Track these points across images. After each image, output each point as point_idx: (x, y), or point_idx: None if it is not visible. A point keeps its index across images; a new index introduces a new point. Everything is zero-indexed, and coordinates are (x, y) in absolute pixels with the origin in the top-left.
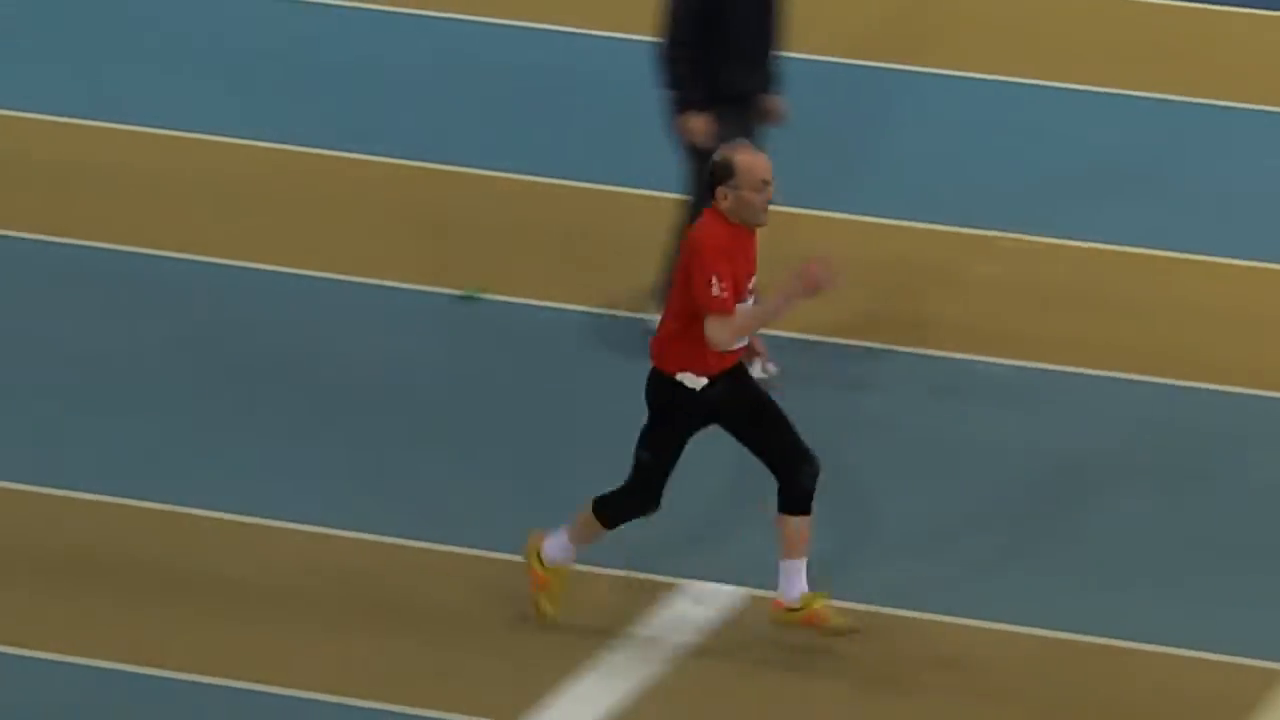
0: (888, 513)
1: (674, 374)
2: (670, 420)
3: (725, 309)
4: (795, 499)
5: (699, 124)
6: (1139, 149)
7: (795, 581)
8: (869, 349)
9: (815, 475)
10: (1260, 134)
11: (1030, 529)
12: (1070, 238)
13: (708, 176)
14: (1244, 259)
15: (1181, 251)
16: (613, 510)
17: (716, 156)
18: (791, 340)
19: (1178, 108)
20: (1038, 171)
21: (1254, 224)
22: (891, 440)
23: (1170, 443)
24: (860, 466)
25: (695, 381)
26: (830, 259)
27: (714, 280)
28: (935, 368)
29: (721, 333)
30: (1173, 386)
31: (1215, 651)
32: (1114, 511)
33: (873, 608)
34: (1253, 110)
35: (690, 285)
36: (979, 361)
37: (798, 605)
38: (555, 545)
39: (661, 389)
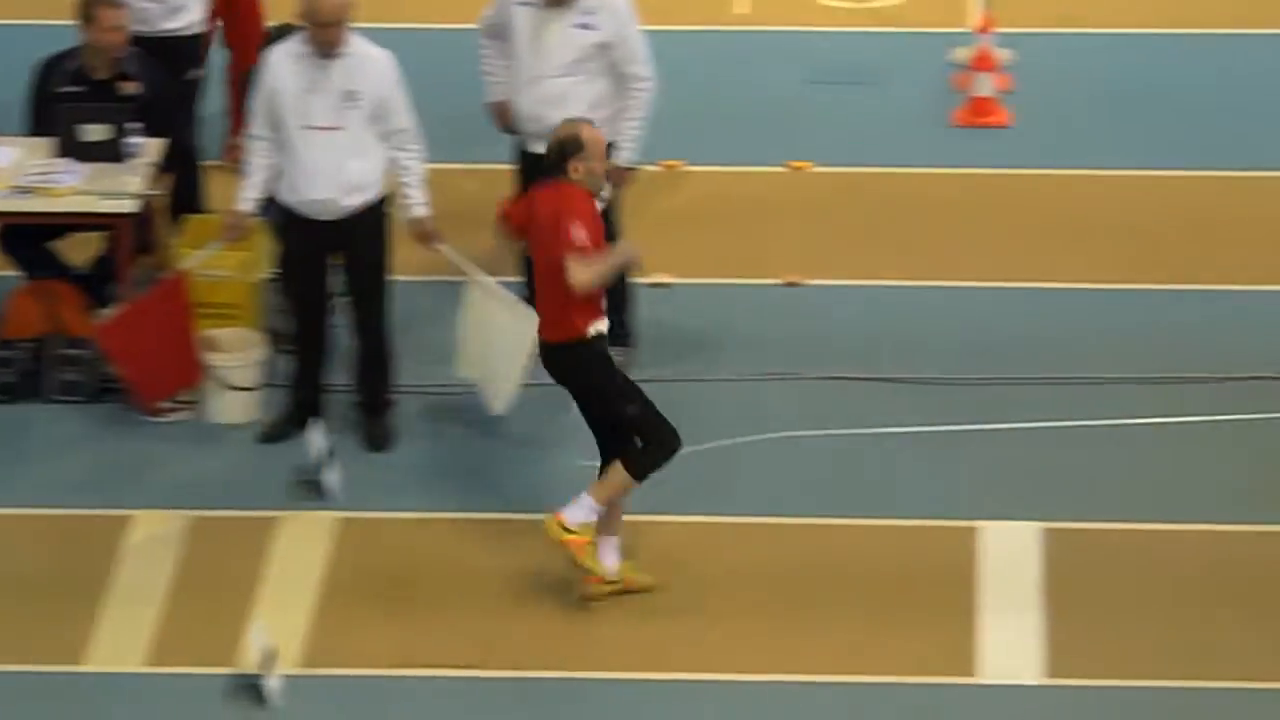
0: None
1: (588, 334)
2: (612, 368)
3: (585, 249)
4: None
5: None
6: None
7: (610, 557)
8: None
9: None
10: None
11: None
12: None
13: (558, 155)
14: None
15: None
16: (646, 469)
17: (564, 133)
18: None
19: None
20: None
21: None
22: None
23: None
24: None
25: (602, 325)
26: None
27: (573, 228)
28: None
29: (580, 269)
30: None
31: None
32: None
33: None
34: None
35: (557, 234)
36: None
37: (616, 578)
38: (580, 512)
39: (587, 351)
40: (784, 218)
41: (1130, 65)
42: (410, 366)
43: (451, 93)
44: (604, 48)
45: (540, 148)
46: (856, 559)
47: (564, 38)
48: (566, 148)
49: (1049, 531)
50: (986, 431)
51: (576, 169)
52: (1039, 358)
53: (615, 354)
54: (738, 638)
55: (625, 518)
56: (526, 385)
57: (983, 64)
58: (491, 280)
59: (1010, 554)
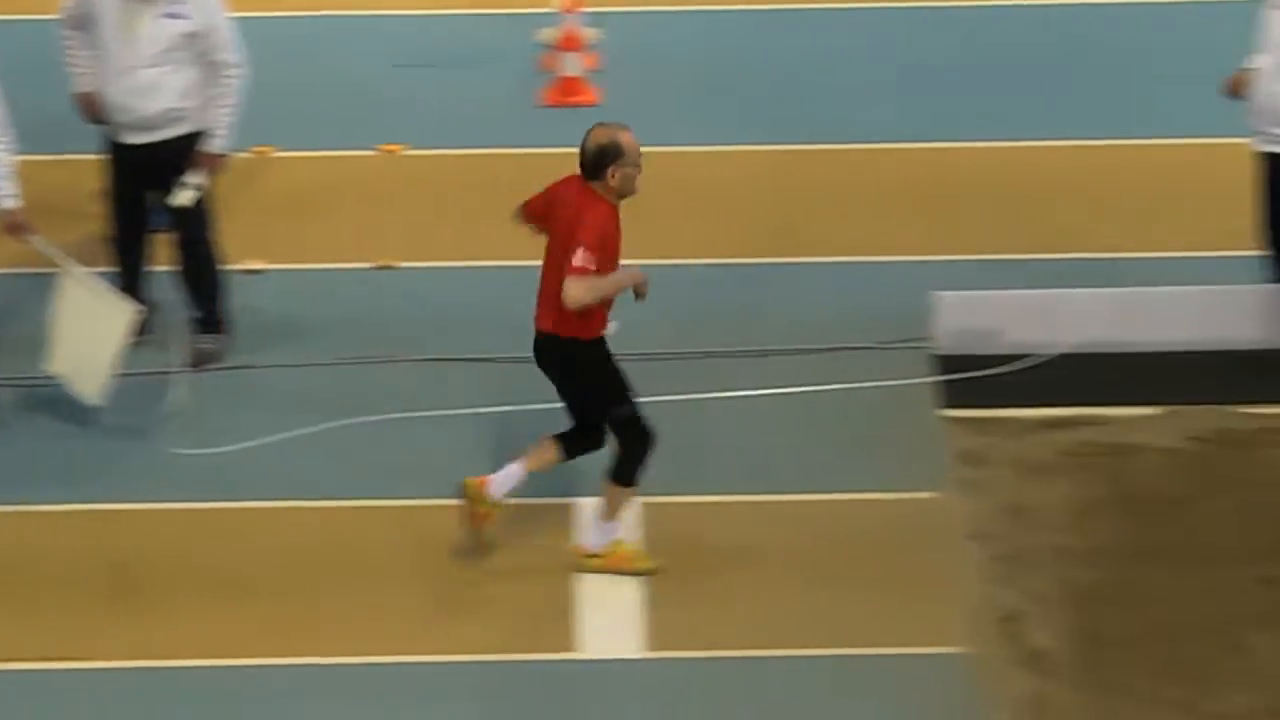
0: None
1: (589, 335)
2: (605, 366)
3: (586, 272)
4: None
5: None
6: None
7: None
8: None
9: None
10: None
11: None
12: None
13: (598, 160)
14: None
15: None
16: (634, 472)
17: (604, 139)
18: None
19: None
20: None
21: None
22: None
23: None
24: None
25: (608, 327)
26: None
27: (580, 250)
28: None
29: (576, 290)
30: None
31: None
32: None
33: None
34: None
35: (567, 247)
36: None
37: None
38: (597, 536)
39: (584, 350)
40: (377, 201)
41: (716, 42)
42: (2, 359)
43: (38, 84)
44: (193, 37)
45: (134, 138)
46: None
47: (153, 28)
48: (607, 154)
49: (646, 506)
50: None
51: (614, 175)
52: (634, 334)
53: (206, 341)
54: (332, 621)
55: None
56: (120, 375)
57: (569, 44)
58: (84, 270)
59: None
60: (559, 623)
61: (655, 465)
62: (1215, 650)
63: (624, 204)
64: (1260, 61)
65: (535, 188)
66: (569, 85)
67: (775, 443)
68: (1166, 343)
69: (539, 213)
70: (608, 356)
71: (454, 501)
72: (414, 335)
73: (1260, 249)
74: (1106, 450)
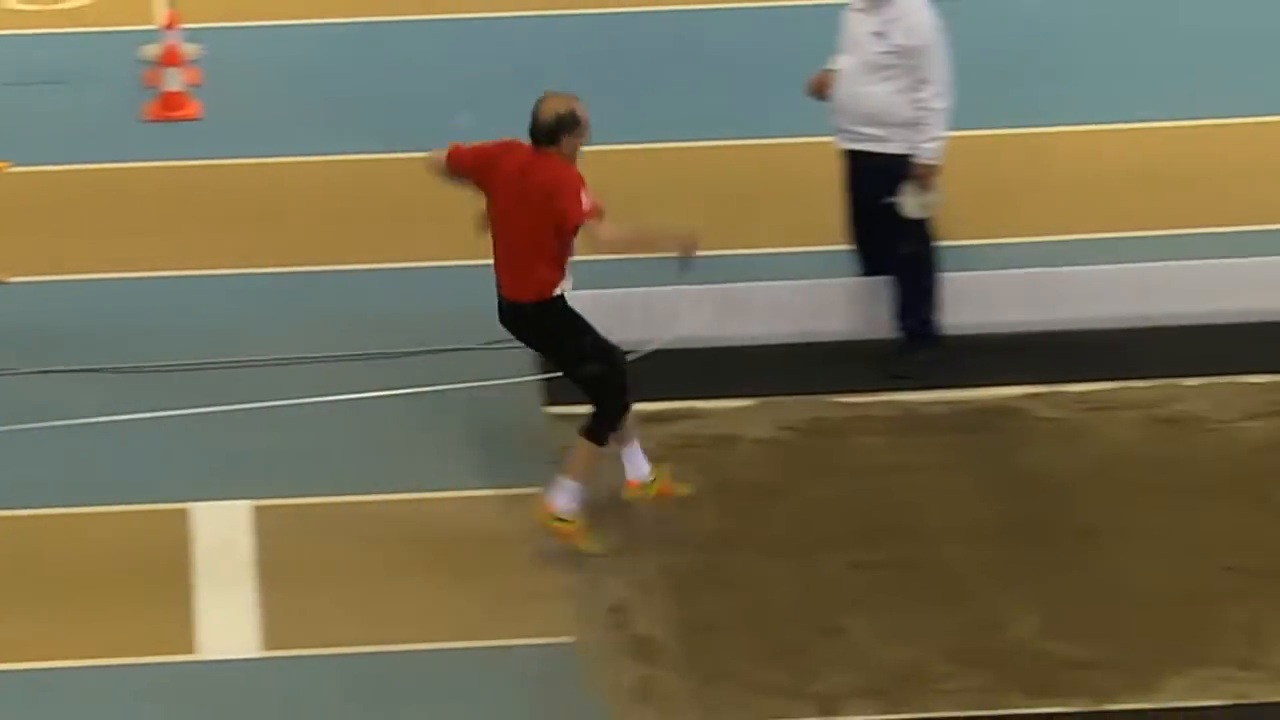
0: None
1: (554, 295)
2: (575, 324)
3: (601, 212)
4: None
5: None
6: None
7: (638, 462)
8: None
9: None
10: None
11: None
12: None
13: (555, 130)
14: None
15: None
16: (606, 429)
17: (562, 108)
18: None
19: None
20: None
21: None
22: None
23: None
24: None
25: (566, 285)
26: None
27: (582, 194)
28: None
29: (608, 226)
30: None
31: None
32: None
33: None
34: None
35: (558, 213)
36: None
37: (650, 479)
38: (565, 498)
39: (554, 311)
40: None
41: (316, 55)
42: None
43: None
44: None
45: None
46: (66, 548)
47: None
48: (564, 122)
49: (260, 509)
50: (196, 416)
51: (567, 143)
52: (248, 341)
53: None
54: None
55: None
56: None
57: (171, 59)
58: None
59: (222, 533)
60: (178, 624)
61: (271, 468)
62: (813, 633)
63: (234, 212)
64: (841, 62)
65: (139, 202)
66: (171, 100)
67: (389, 443)
68: (761, 336)
69: (468, 164)
70: (574, 314)
71: (57, 511)
72: (22, 348)
73: (846, 244)
74: (704, 442)
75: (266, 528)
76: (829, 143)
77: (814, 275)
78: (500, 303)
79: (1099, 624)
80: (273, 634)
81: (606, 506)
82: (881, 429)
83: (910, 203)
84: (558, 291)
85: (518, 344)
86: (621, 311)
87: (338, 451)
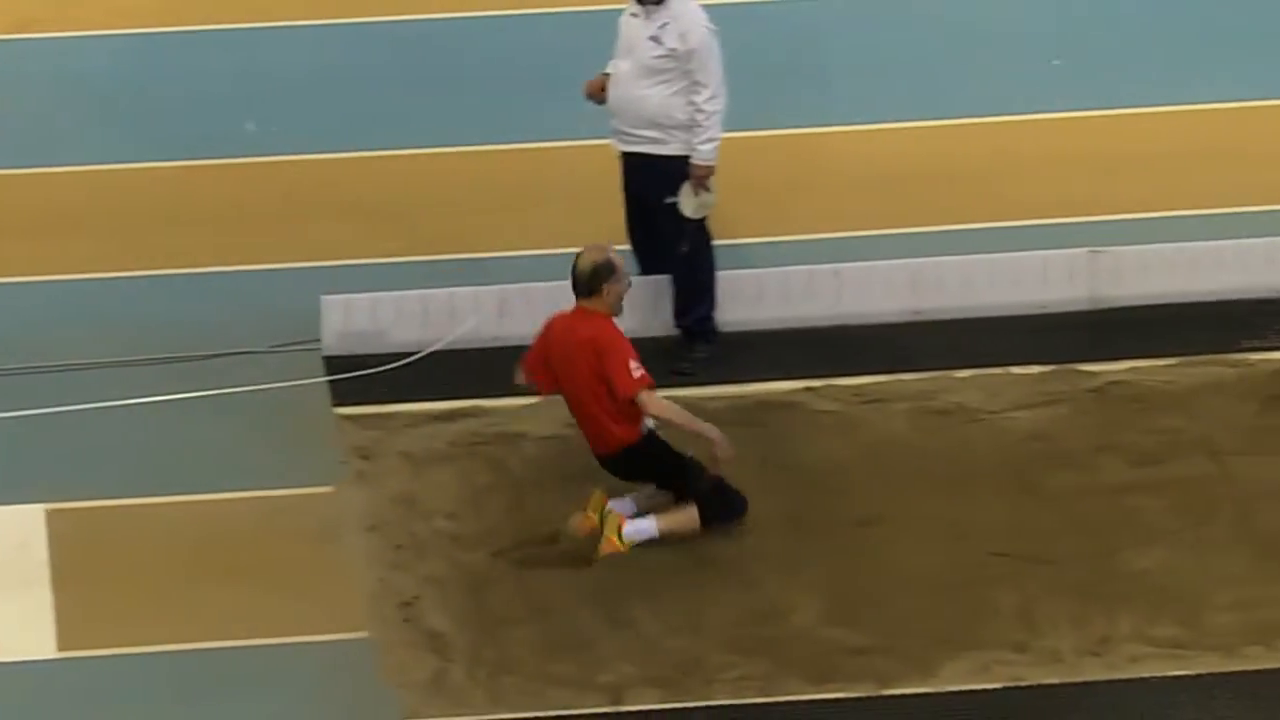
0: None
1: (640, 436)
2: (666, 453)
3: (650, 382)
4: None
5: None
6: None
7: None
8: None
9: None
10: None
11: None
12: None
13: (592, 281)
14: None
15: None
16: (711, 524)
17: (598, 258)
18: None
19: None
20: None
21: None
22: None
23: None
24: None
25: (649, 423)
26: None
27: (631, 364)
28: None
29: (657, 401)
30: None
31: None
32: None
33: None
34: None
35: (608, 378)
36: None
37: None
38: (637, 532)
39: (646, 449)
40: None
41: (104, 65)
42: None
43: None
44: None
45: None
46: None
47: None
48: (600, 272)
49: (52, 513)
50: None
51: (609, 291)
52: (37, 347)
53: None
54: None
55: None
56: None
57: None
58: None
59: (17, 536)
60: None
61: (64, 472)
62: (601, 626)
63: (21, 226)
64: (617, 66)
65: None
66: None
67: (179, 446)
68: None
69: (539, 364)
70: (665, 443)
71: None
72: None
73: (625, 244)
74: (490, 439)
75: (60, 531)
76: (607, 145)
77: None
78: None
79: (877, 611)
80: (68, 635)
81: (397, 502)
82: (660, 425)
83: (687, 203)
84: (642, 431)
85: (305, 346)
86: (401, 313)
87: (130, 455)
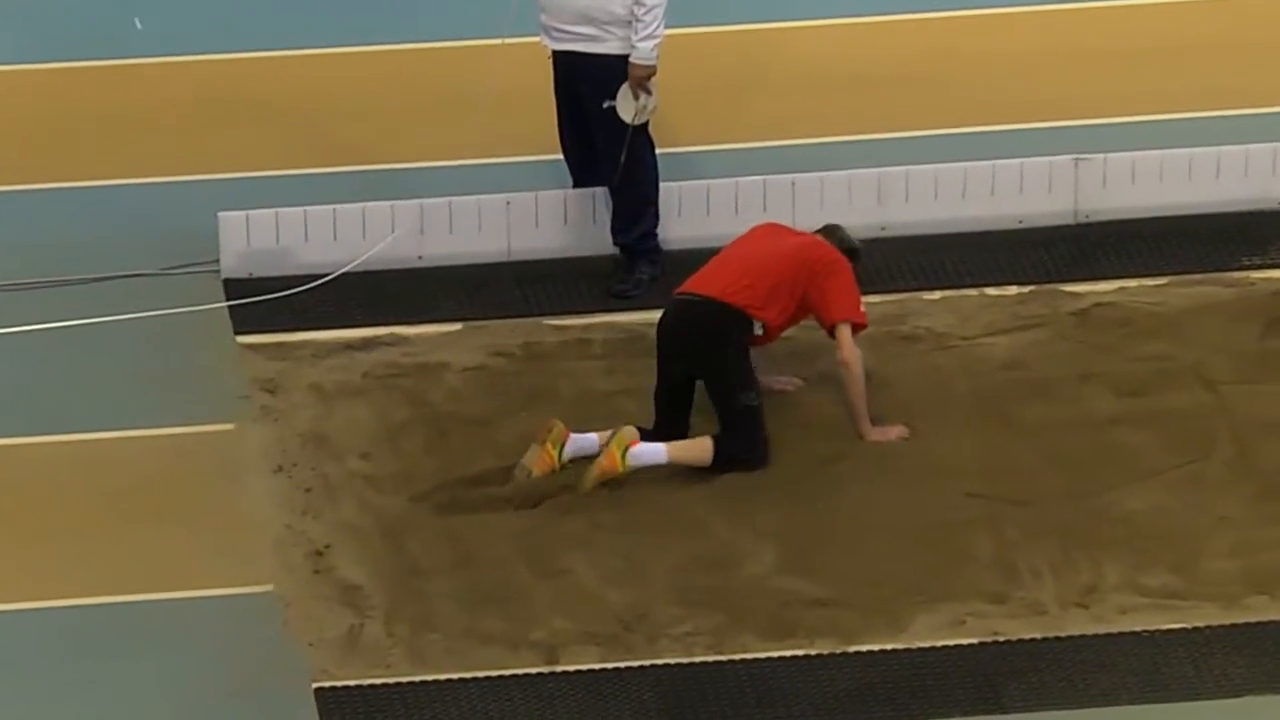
0: None
1: (746, 310)
2: (746, 357)
3: (866, 325)
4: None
5: None
6: None
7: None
8: None
9: None
10: None
11: None
12: None
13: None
14: None
15: None
16: (727, 466)
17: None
18: None
19: None
20: None
21: None
22: None
23: None
24: None
25: (758, 329)
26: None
27: (859, 303)
28: None
29: (855, 346)
30: None
31: None
32: None
33: None
34: None
35: (833, 292)
36: None
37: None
38: (644, 456)
39: (739, 333)
40: None
41: None
42: None
43: None
44: None
45: None
46: None
47: None
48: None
49: None
50: None
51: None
52: None
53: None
54: None
55: None
56: None
57: None
58: None
59: None
60: None
61: None
62: (532, 576)
63: None
64: None
65: None
66: None
67: (63, 379)
68: (466, 255)
69: None
70: (748, 349)
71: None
72: None
73: (558, 153)
74: (408, 371)
75: None
76: (536, 43)
77: (523, 188)
78: (672, 303)
79: (839, 559)
80: None
81: (306, 441)
82: (600, 353)
83: (626, 107)
84: (756, 326)
85: (202, 267)
86: (309, 230)
87: (7, 390)
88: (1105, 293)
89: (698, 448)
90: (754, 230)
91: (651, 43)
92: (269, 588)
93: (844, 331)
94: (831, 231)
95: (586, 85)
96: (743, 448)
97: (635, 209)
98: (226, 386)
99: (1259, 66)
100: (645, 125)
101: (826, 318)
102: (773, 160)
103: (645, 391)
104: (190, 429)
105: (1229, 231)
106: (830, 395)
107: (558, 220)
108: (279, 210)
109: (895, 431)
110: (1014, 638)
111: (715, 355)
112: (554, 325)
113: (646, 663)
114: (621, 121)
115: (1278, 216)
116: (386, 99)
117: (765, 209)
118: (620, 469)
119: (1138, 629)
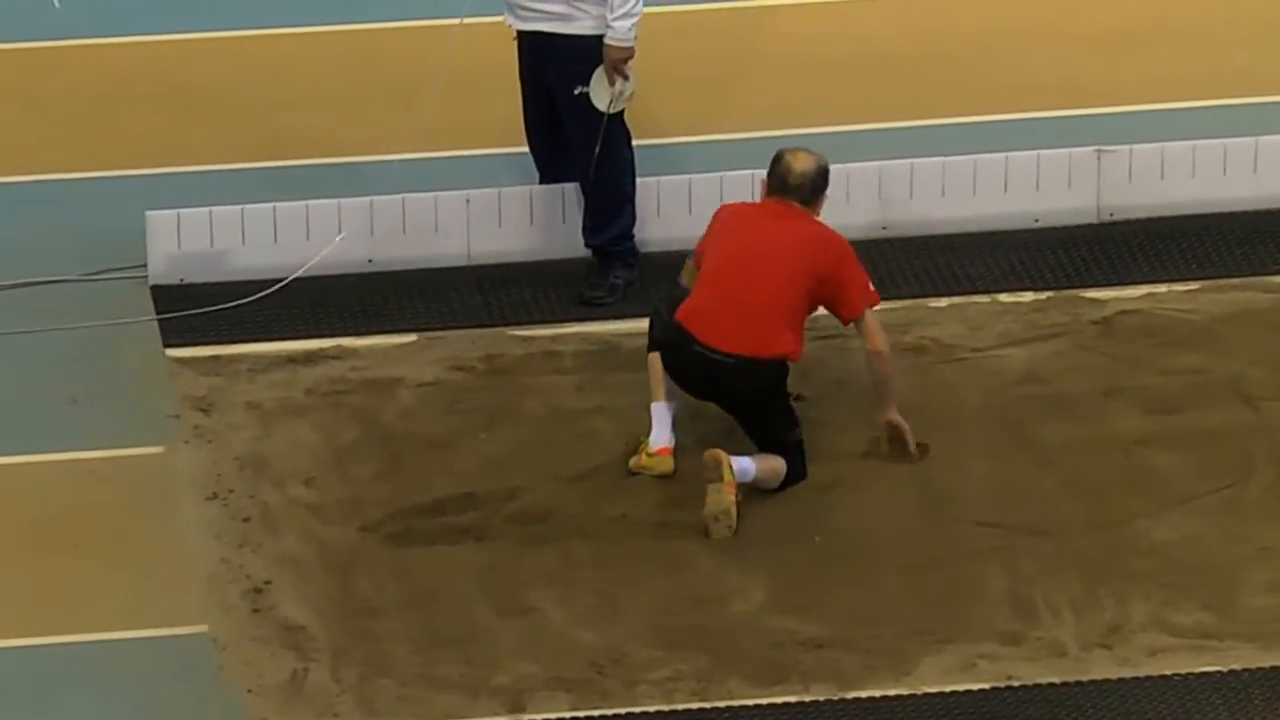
0: None
1: (784, 357)
2: (787, 395)
3: (879, 302)
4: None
5: None
6: None
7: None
8: None
9: None
10: None
11: None
12: None
13: (818, 183)
14: None
15: None
16: (787, 484)
17: (821, 161)
18: None
19: None
20: None
21: None
22: None
23: None
24: None
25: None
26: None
27: (869, 281)
28: None
29: (880, 329)
30: None
31: None
32: None
33: None
34: None
35: (845, 285)
36: None
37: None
38: (743, 465)
39: (775, 372)
40: None
41: None
42: None
43: None
44: None
45: None
46: None
47: None
48: (825, 176)
49: None
50: None
51: (822, 201)
52: None
53: None
54: None
55: None
56: None
57: None
58: None
59: None
60: None
61: None
62: (493, 615)
63: None
64: None
65: None
66: None
67: None
68: (421, 259)
69: (701, 250)
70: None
71: None
72: None
73: (524, 145)
74: (356, 387)
75: None
76: (500, 23)
77: (484, 184)
78: (692, 352)
79: (837, 595)
80: None
81: (243, 465)
82: (570, 366)
83: (601, 93)
84: (798, 355)
85: (127, 273)
86: (246, 230)
87: None
88: (1131, 299)
89: (778, 466)
90: (730, 228)
91: (629, 22)
92: (202, 629)
93: (870, 320)
94: (783, 173)
95: (556, 69)
96: (800, 472)
97: (609, 207)
98: (154, 405)
99: None
100: (621, 114)
101: (848, 314)
102: (761, 152)
103: (621, 409)
104: (114, 452)
105: (1268, 231)
106: (827, 414)
107: (523, 220)
108: (213, 209)
109: (912, 437)
110: (1030, 682)
111: (764, 409)
112: (519, 336)
113: (623, 710)
114: (595, 110)
115: None
116: (333, 85)
117: None
118: (735, 495)
119: (1168, 672)
